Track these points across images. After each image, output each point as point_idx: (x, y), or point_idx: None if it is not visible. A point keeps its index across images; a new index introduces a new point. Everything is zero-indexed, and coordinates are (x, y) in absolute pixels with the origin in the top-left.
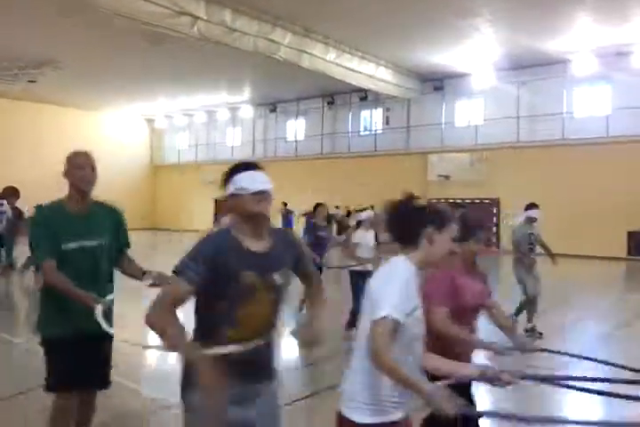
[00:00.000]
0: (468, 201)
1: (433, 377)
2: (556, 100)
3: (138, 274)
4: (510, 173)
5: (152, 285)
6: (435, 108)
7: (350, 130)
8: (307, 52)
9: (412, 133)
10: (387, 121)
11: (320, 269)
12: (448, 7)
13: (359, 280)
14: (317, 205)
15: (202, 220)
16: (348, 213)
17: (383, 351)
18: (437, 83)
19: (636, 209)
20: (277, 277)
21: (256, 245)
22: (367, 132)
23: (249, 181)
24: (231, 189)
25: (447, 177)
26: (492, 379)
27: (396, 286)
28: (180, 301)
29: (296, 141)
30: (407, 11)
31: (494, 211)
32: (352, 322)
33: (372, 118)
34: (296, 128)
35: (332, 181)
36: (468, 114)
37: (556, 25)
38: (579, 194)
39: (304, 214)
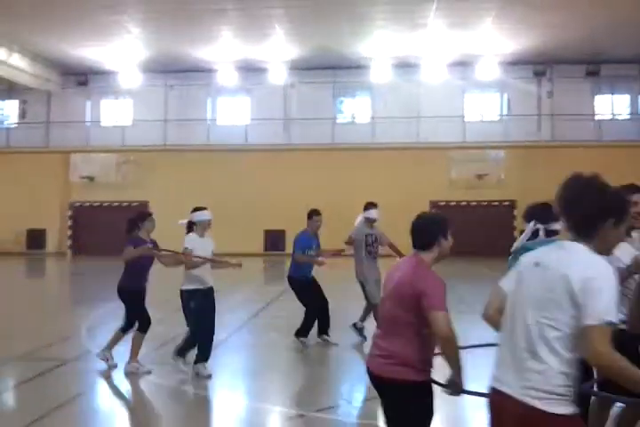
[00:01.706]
0: (115, 204)
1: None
2: (201, 106)
3: None
4: (159, 176)
5: None
6: (79, 105)
7: None
8: None
9: (53, 130)
10: (23, 114)
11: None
12: (95, 0)
13: (189, 301)
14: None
15: None
16: None
17: (611, 356)
18: (81, 77)
19: (271, 211)
20: None
21: None
22: None
23: None
24: None
25: (91, 178)
26: None
27: (614, 288)
28: None
29: None
30: None
31: None
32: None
33: (5, 110)
34: None
35: None
36: (115, 113)
37: (202, 35)
38: (223, 197)
39: None
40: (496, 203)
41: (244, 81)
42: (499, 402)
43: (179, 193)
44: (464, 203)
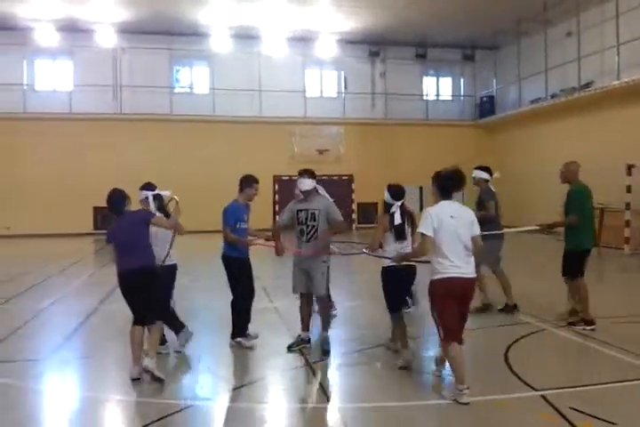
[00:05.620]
0: None
1: None
2: (16, 69)
3: None
4: None
5: None
6: None
7: None
8: None
9: None
10: None
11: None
12: None
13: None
14: None
15: None
16: None
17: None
18: None
19: (102, 185)
20: None
21: None
22: None
23: None
24: None
25: None
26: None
27: None
28: None
29: None
30: None
31: None
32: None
33: None
34: None
35: None
36: None
37: None
38: (44, 170)
39: None
40: (335, 177)
41: (67, 43)
42: (462, 283)
43: None
44: None
